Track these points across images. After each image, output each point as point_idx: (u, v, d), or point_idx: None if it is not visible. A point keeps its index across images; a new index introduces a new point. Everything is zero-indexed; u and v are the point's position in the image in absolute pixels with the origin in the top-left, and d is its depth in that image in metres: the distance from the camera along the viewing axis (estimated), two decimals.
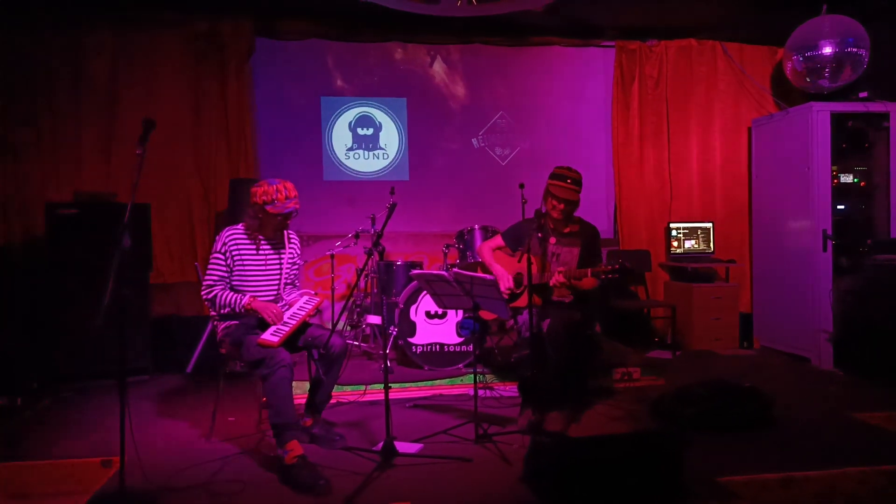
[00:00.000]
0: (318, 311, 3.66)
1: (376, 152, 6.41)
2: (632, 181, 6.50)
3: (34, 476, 3.18)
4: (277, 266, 3.63)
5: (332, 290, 5.39)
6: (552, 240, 4.05)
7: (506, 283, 4.04)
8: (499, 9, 4.85)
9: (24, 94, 5.45)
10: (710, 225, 6.38)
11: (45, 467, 3.28)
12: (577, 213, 4.14)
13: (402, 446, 3.38)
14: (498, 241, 4.34)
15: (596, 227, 4.17)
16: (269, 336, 3.30)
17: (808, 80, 5.67)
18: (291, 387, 3.23)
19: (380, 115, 6.41)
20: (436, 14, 4.86)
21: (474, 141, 6.54)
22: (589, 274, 3.73)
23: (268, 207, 3.43)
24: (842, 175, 5.52)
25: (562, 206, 3.95)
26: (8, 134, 5.41)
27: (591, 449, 2.86)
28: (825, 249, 5.32)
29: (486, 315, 4.27)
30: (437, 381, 4.61)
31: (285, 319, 3.45)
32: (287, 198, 3.43)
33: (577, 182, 3.96)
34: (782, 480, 2.94)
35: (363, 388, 4.45)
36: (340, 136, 6.36)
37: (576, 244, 4.02)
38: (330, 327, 3.65)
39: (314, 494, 2.91)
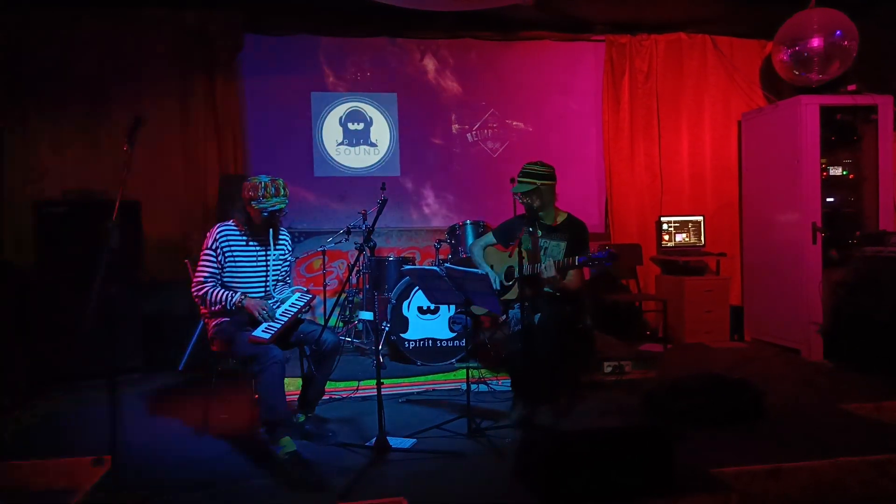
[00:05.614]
0: (310, 307, 3.66)
1: (367, 148, 6.39)
2: (622, 175, 6.51)
3: (25, 475, 3.16)
4: (268, 262, 3.62)
5: (324, 287, 5.38)
6: (540, 233, 4.06)
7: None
8: (488, 3, 4.84)
9: (11, 91, 5.40)
10: (700, 218, 6.40)
11: (36, 466, 3.25)
12: (566, 209, 4.14)
13: (395, 441, 3.39)
14: (488, 237, 4.35)
15: (584, 223, 4.16)
16: (261, 333, 3.29)
17: (796, 73, 5.69)
18: (283, 383, 3.23)
19: (370, 110, 6.39)
20: (426, 8, 4.85)
21: (467, 136, 6.53)
22: (577, 262, 3.72)
23: (252, 203, 3.42)
24: (831, 168, 5.55)
25: (523, 203, 3.97)
26: None
27: (582, 442, 2.86)
28: (815, 242, 5.35)
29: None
30: (430, 376, 4.62)
31: (277, 316, 3.44)
32: (273, 195, 3.40)
33: (529, 174, 3.91)
34: (772, 471, 2.96)
35: (356, 383, 4.46)
36: (331, 131, 6.34)
37: (563, 238, 4.03)
38: (322, 324, 3.65)
39: (307, 490, 2.91)
